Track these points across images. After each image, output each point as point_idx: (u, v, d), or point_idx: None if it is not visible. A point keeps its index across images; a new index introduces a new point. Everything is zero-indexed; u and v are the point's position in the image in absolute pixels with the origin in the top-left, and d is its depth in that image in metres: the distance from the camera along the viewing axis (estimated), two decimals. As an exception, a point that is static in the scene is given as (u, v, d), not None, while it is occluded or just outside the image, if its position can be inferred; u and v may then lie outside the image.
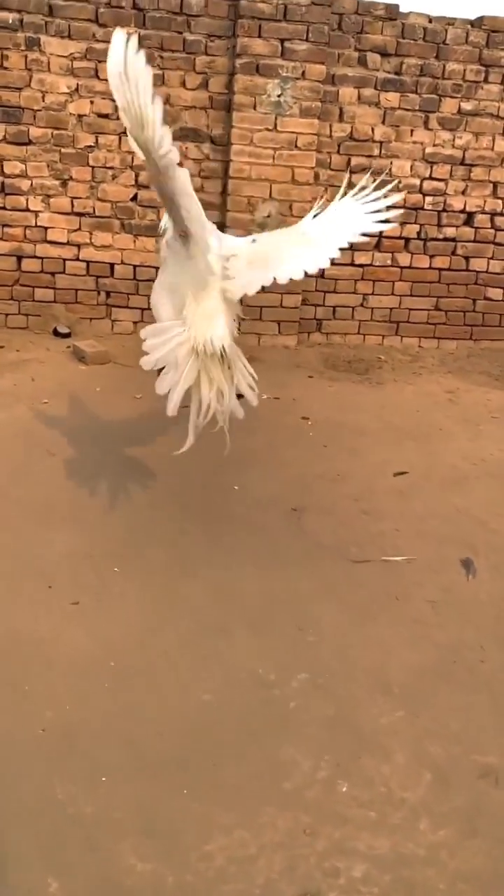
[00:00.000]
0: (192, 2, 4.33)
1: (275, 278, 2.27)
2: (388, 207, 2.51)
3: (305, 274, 2.30)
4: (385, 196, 2.53)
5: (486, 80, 4.74)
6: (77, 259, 4.73)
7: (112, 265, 4.78)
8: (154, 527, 2.62)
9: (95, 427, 3.43)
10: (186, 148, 4.59)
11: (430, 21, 4.62)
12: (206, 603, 2.21)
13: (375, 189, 2.55)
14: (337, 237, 2.43)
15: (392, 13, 4.54)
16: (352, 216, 2.52)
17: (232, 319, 2.42)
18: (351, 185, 4.87)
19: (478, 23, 4.64)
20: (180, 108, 4.52)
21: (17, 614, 2.09)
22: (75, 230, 4.68)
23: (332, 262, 2.38)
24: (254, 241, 2.47)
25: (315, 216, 2.52)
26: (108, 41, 4.36)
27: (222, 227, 4.79)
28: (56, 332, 4.71)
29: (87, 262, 4.75)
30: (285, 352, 4.90)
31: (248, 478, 3.03)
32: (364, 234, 2.46)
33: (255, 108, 4.48)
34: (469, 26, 4.64)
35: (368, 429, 3.68)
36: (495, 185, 4.96)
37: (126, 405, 3.67)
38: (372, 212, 2.52)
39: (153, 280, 4.75)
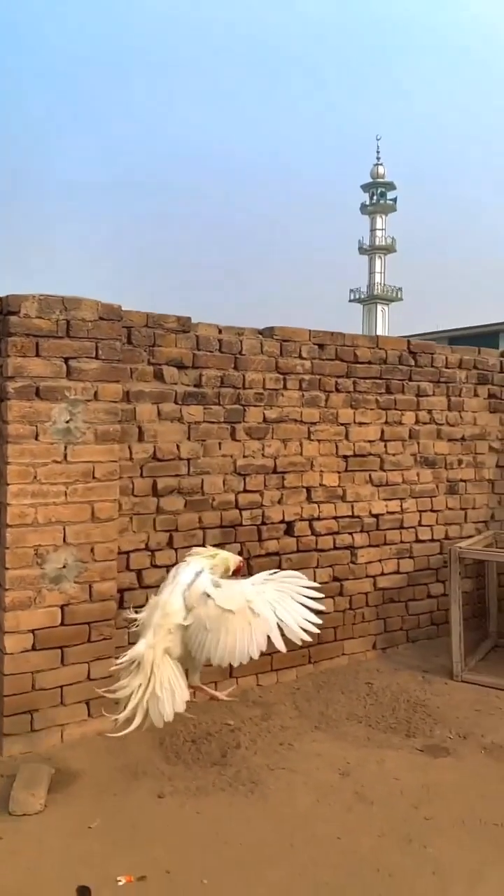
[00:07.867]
0: None
1: None
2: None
3: None
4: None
5: (285, 388, 4.40)
6: None
7: None
8: None
9: None
10: None
11: (220, 331, 4.20)
12: None
13: None
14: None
15: (185, 325, 4.02)
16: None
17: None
18: (160, 511, 3.94)
19: (268, 332, 4.36)
20: None
21: None
22: None
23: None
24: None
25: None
26: None
27: (-1, 587, 3.48)
28: None
29: None
30: (104, 744, 3.53)
31: None
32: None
33: (37, 437, 3.45)
34: (261, 335, 4.33)
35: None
36: (308, 489, 4.52)
37: None
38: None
39: None
